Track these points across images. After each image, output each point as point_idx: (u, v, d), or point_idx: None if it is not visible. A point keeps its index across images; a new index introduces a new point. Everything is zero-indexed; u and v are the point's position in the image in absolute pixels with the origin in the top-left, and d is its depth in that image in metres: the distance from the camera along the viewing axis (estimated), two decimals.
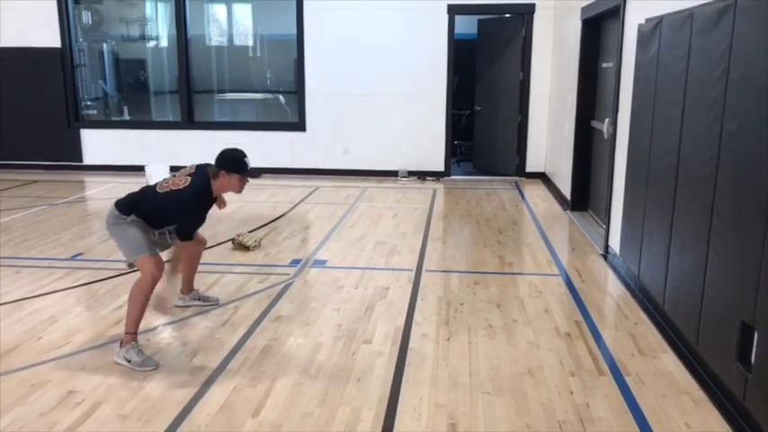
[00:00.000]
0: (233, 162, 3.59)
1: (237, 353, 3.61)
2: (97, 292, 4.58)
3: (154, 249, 3.57)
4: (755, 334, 2.74)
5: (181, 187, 3.53)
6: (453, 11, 8.86)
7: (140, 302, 3.47)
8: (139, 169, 8.71)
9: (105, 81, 10.51)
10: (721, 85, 3.11)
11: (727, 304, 3.02)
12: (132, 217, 3.55)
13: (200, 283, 4.45)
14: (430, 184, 8.88)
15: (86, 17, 9.95)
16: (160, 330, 3.95)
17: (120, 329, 3.68)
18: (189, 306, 4.24)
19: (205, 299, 4.33)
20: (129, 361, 3.43)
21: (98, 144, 9.74)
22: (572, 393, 3.17)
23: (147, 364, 3.42)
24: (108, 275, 4.87)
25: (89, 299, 4.47)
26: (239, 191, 3.66)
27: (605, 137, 5.89)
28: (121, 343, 3.51)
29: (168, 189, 3.55)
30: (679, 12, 3.78)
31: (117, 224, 3.56)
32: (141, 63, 10.51)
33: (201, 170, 3.62)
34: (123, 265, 4.67)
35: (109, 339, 3.76)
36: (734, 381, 2.91)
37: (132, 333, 3.49)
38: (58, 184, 8.78)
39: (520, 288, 4.69)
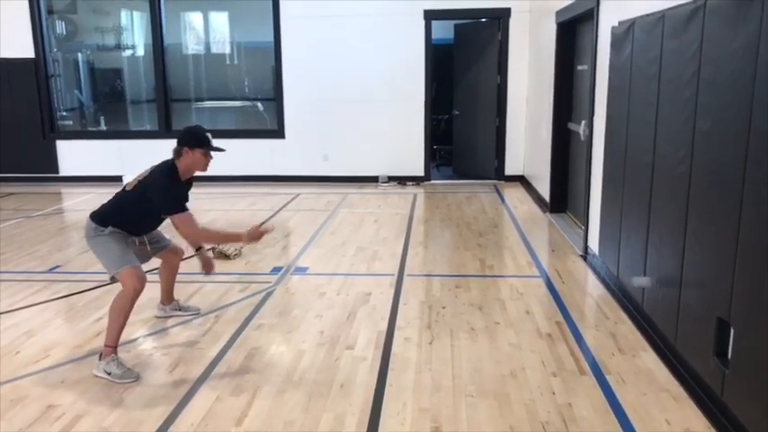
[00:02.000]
0: (193, 137, 3.58)
1: (219, 362, 3.59)
2: (76, 304, 4.53)
3: (136, 261, 3.53)
4: (732, 330, 2.79)
5: (147, 175, 3.55)
6: (429, 16, 8.91)
7: (122, 316, 3.43)
8: (117, 179, 8.58)
9: (81, 91, 10.40)
10: (693, 86, 3.16)
11: (703, 301, 3.07)
12: (110, 228, 3.51)
13: (181, 293, 4.42)
14: (410, 189, 8.91)
15: (60, 27, 9.85)
16: (141, 342, 3.91)
17: (100, 342, 3.63)
18: (169, 316, 4.21)
19: (186, 309, 4.30)
20: (109, 374, 3.38)
21: (74, 155, 9.62)
22: (554, 394, 3.19)
23: (127, 376, 3.38)
24: (87, 287, 4.81)
25: (68, 312, 4.41)
26: (204, 167, 3.61)
27: (582, 139, 5.96)
28: (101, 356, 3.47)
29: (136, 182, 3.57)
30: (651, 14, 3.84)
31: (96, 236, 3.52)
32: (117, 72, 10.43)
33: (165, 160, 3.63)
34: (103, 278, 4.64)
35: (88, 352, 3.72)
36: (712, 376, 2.95)
37: (112, 346, 3.45)
38: (34, 196, 8.66)
39: (501, 290, 4.72)
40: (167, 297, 4.22)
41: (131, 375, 3.39)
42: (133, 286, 3.41)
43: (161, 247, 3.91)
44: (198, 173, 3.68)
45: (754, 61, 2.58)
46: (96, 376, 3.41)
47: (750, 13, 2.61)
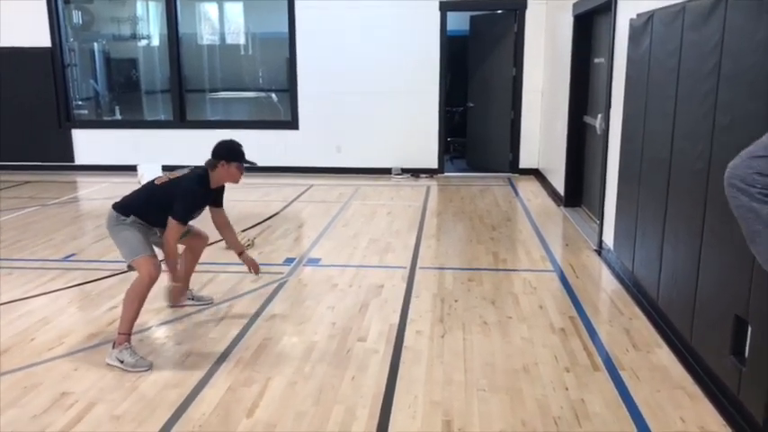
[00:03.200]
0: (230, 151, 3.72)
1: (231, 352, 3.60)
2: (90, 293, 4.56)
3: (152, 250, 3.58)
4: (749, 328, 2.75)
5: (179, 176, 3.67)
6: (445, 7, 8.85)
7: (136, 303, 3.46)
8: (131, 169, 8.67)
9: (96, 81, 10.46)
10: (713, 80, 3.11)
11: (721, 298, 3.03)
12: (132, 218, 3.58)
13: (194, 282, 4.43)
14: (423, 182, 8.88)
15: (77, 17, 9.89)
16: (154, 330, 3.93)
17: (114, 330, 3.63)
18: (183, 306, 4.22)
19: (199, 298, 4.32)
20: (122, 362, 3.40)
21: (90, 144, 9.69)
22: (567, 389, 3.17)
23: (140, 364, 3.40)
24: (101, 276, 4.85)
25: (82, 300, 4.44)
26: (237, 180, 3.78)
27: (598, 132, 5.90)
28: (114, 344, 3.48)
29: (167, 179, 3.68)
30: (670, 6, 3.78)
31: (117, 225, 3.59)
32: (133, 62, 10.47)
33: (198, 167, 3.77)
34: (117, 267, 4.70)
35: (102, 340, 3.74)
36: (728, 375, 2.92)
37: (126, 334, 3.47)
38: (50, 184, 8.72)
39: (514, 284, 4.69)
40: (185, 281, 4.21)
41: (144, 364, 3.41)
42: (149, 274, 3.45)
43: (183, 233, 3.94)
44: (234, 183, 3.83)
45: None
46: (109, 364, 3.43)
47: None
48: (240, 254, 4.05)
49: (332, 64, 9.08)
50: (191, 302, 4.26)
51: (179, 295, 4.07)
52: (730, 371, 2.89)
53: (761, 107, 2.63)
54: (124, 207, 3.62)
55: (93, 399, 3.10)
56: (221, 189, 3.91)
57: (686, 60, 3.52)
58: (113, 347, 3.47)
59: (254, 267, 4.06)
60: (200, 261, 4.25)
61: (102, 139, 9.72)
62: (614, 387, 3.18)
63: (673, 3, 3.75)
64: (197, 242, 4.11)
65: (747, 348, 2.78)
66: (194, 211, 3.74)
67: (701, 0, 3.32)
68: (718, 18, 3.08)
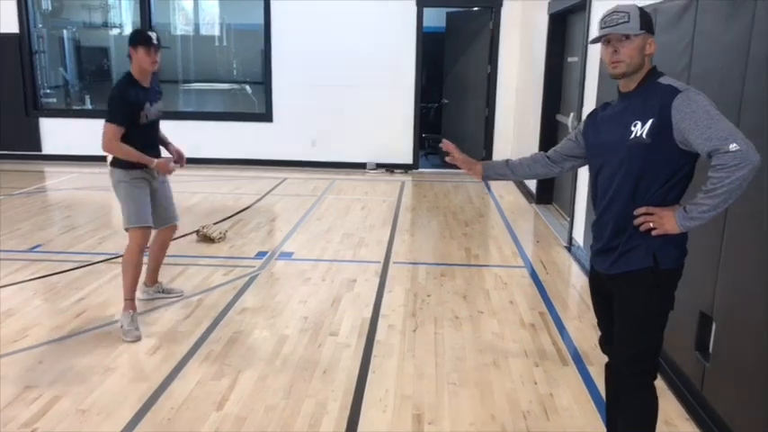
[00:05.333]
0: (134, 36, 3.69)
1: (201, 346, 3.56)
2: (57, 284, 4.47)
3: (148, 220, 3.72)
4: (713, 324, 2.80)
5: None
6: (422, 3, 8.85)
7: (131, 268, 3.71)
8: (102, 159, 8.47)
9: (66, 69, 10.24)
10: (683, 79, 3.15)
11: (686, 295, 3.07)
12: (136, 173, 3.68)
13: (164, 274, 4.37)
14: (398, 177, 8.88)
15: (46, 3, 9.66)
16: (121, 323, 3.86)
17: (81, 323, 3.66)
18: (152, 299, 4.17)
19: (169, 291, 4.27)
20: (121, 326, 3.65)
21: (58, 133, 9.48)
22: (536, 383, 3.20)
23: (129, 335, 3.60)
24: (68, 268, 4.76)
25: (48, 292, 4.36)
26: (150, 65, 3.66)
27: (570, 131, 5.95)
28: (124, 306, 3.73)
29: None
30: (644, 7, 3.82)
31: (119, 183, 3.71)
32: (104, 51, 10.27)
33: None
34: (84, 258, 4.63)
35: (68, 333, 3.68)
36: (693, 370, 2.98)
37: (129, 299, 3.71)
38: (16, 174, 8.53)
39: (485, 280, 4.73)
40: (152, 277, 4.19)
41: (132, 335, 3.60)
42: (138, 244, 3.71)
43: (169, 215, 3.96)
44: (149, 70, 3.72)
45: (745, 57, 2.58)
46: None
47: (742, 9, 2.61)
48: (167, 145, 4.00)
49: (308, 57, 9.02)
50: (160, 295, 4.21)
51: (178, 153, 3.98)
52: (694, 366, 2.95)
53: (730, 107, 2.68)
54: (115, 159, 3.73)
55: (58, 392, 3.05)
56: (156, 91, 3.83)
57: (658, 61, 3.55)
58: (123, 310, 3.71)
59: (180, 158, 3.95)
60: (170, 254, 4.20)
61: (70, 128, 9.51)
62: (582, 382, 3.23)
63: (647, 3, 3.80)
64: (167, 232, 4.06)
65: (711, 344, 2.84)
66: (128, 109, 3.62)
67: (672, 2, 3.37)
68: (689, 20, 3.13)
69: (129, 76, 3.70)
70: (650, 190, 2.10)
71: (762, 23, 2.50)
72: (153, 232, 3.89)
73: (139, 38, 3.65)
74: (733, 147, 1.90)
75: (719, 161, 1.92)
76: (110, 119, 3.61)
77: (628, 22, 2.10)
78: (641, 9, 2.15)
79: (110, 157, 3.82)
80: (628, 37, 2.11)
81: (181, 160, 3.95)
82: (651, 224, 2.09)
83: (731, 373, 2.68)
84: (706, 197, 1.98)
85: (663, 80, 2.14)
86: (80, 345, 3.55)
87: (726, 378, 2.72)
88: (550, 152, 2.55)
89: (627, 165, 2.12)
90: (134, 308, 3.74)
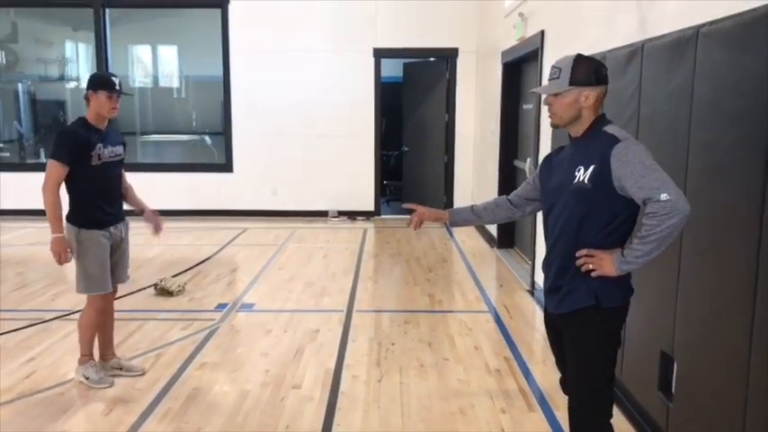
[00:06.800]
0: (96, 80, 3.51)
1: (159, 404, 3.43)
2: (5, 344, 4.28)
3: (108, 286, 3.55)
4: (675, 363, 2.83)
5: None
6: (379, 54, 9.03)
7: (89, 329, 3.59)
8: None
9: (20, 122, 10.08)
10: (633, 124, 3.26)
11: (647, 334, 3.11)
12: (93, 232, 3.47)
13: (121, 330, 4.22)
14: (360, 224, 8.88)
15: (0, 56, 9.56)
16: (75, 383, 3.70)
17: (31, 385, 3.52)
18: (112, 377, 3.71)
19: (129, 369, 3.80)
20: (87, 378, 3.56)
21: (11, 187, 9.23)
22: (503, 431, 3.16)
23: (102, 382, 3.55)
24: (17, 327, 4.57)
25: None
26: (108, 109, 3.47)
27: (527, 175, 6.07)
28: (79, 361, 3.62)
29: None
30: (592, 55, 3.96)
31: (78, 244, 3.48)
32: (60, 104, 10.16)
33: None
34: (35, 316, 4.48)
35: (18, 395, 3.51)
36: (657, 411, 2.98)
37: (86, 355, 3.60)
38: None
39: (450, 326, 4.70)
40: (108, 347, 3.79)
41: (106, 381, 3.56)
42: (97, 309, 3.56)
43: (120, 276, 3.72)
44: (107, 116, 3.53)
45: (689, 101, 2.68)
46: (78, 381, 3.60)
47: (684, 57, 2.73)
48: (142, 212, 3.83)
49: (267, 107, 9.07)
50: (119, 373, 3.78)
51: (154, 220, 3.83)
52: (659, 407, 2.95)
53: (678, 148, 2.77)
54: (71, 214, 3.52)
55: None
56: (114, 132, 3.67)
57: (608, 107, 3.65)
58: (79, 364, 3.60)
59: (156, 225, 3.80)
60: (126, 308, 4.07)
61: (25, 182, 9.25)
62: (550, 428, 3.20)
63: (594, 52, 3.94)
64: (112, 296, 3.74)
65: (674, 384, 2.85)
66: (76, 149, 3.44)
67: (619, 50, 3.51)
68: (635, 67, 3.25)
69: (82, 119, 3.53)
70: (591, 232, 2.18)
71: (703, 68, 2.61)
72: None
73: (101, 81, 3.47)
74: (664, 196, 2.00)
75: (652, 209, 2.02)
76: (53, 155, 3.42)
77: (558, 78, 2.21)
78: (578, 62, 2.24)
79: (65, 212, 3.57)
80: (557, 93, 2.20)
81: (157, 229, 3.80)
82: (591, 266, 2.16)
83: (694, 412, 2.69)
84: (640, 243, 2.07)
85: (608, 128, 2.23)
86: (30, 408, 3.38)
87: (689, 418, 2.72)
88: (512, 196, 2.63)
89: (570, 207, 2.21)
90: (94, 358, 3.64)
